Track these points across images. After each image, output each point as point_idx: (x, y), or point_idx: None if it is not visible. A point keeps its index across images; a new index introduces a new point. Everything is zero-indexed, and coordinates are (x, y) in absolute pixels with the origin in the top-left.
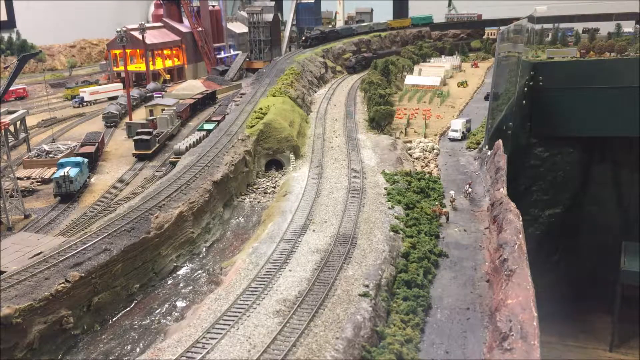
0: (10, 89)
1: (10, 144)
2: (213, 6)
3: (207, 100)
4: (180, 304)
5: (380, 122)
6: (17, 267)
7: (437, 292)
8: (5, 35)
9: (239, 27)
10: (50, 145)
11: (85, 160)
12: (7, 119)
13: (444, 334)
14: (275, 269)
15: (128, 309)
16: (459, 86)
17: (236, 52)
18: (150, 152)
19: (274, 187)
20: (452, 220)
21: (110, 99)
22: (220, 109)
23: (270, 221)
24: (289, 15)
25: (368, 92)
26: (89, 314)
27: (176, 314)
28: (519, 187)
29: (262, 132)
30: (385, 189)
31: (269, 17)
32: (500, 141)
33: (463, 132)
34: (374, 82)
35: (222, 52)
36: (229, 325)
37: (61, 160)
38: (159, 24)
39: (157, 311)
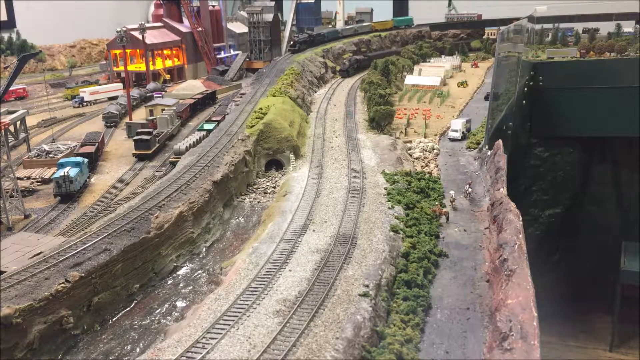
0: (10, 89)
1: (10, 144)
2: (213, 6)
3: (207, 100)
4: (180, 304)
5: (380, 122)
6: (17, 267)
7: (437, 292)
8: (5, 35)
9: (239, 27)
10: (50, 145)
11: (85, 160)
12: (7, 119)
13: (444, 334)
14: (275, 269)
15: (128, 309)
16: (459, 86)
17: (236, 52)
18: (150, 152)
19: (274, 187)
20: (452, 220)
21: (110, 99)
22: (220, 109)
23: (270, 221)
24: (289, 15)
25: (368, 92)
26: (89, 314)
27: (176, 314)
28: (519, 187)
29: (262, 132)
30: (385, 189)
31: (269, 17)
32: (500, 141)
33: (463, 132)
34: (374, 82)
35: (222, 52)
36: (229, 325)
37: (61, 160)
38: (159, 24)
39: (157, 311)
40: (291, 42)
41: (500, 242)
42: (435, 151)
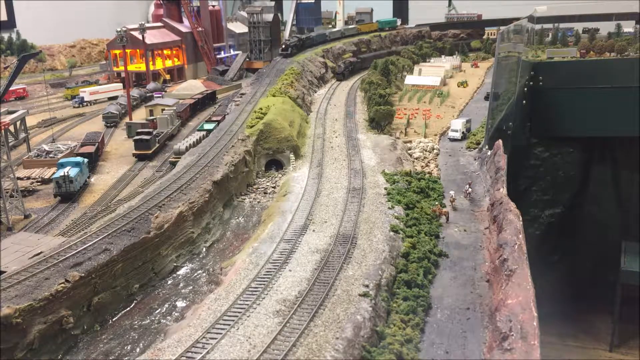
0: (10, 89)
1: (10, 144)
2: (213, 6)
3: (207, 100)
4: (180, 304)
5: (380, 122)
6: (17, 267)
7: (437, 292)
8: (5, 35)
9: (239, 27)
10: (50, 145)
11: (85, 160)
12: (7, 119)
13: (444, 334)
14: (275, 269)
15: (128, 309)
16: (459, 86)
17: (236, 52)
18: (150, 152)
19: (274, 187)
20: (452, 220)
21: (110, 99)
22: (220, 109)
23: (270, 221)
24: (289, 15)
25: (368, 92)
26: (89, 314)
27: (176, 314)
28: (519, 187)
29: (262, 132)
30: (385, 189)
31: (269, 17)
32: (500, 141)
33: (463, 132)
34: (374, 82)
35: (222, 52)
36: (229, 325)
37: (61, 160)
38: (159, 24)
39: (157, 311)
40: (283, 46)
41: (500, 242)
42: (435, 151)
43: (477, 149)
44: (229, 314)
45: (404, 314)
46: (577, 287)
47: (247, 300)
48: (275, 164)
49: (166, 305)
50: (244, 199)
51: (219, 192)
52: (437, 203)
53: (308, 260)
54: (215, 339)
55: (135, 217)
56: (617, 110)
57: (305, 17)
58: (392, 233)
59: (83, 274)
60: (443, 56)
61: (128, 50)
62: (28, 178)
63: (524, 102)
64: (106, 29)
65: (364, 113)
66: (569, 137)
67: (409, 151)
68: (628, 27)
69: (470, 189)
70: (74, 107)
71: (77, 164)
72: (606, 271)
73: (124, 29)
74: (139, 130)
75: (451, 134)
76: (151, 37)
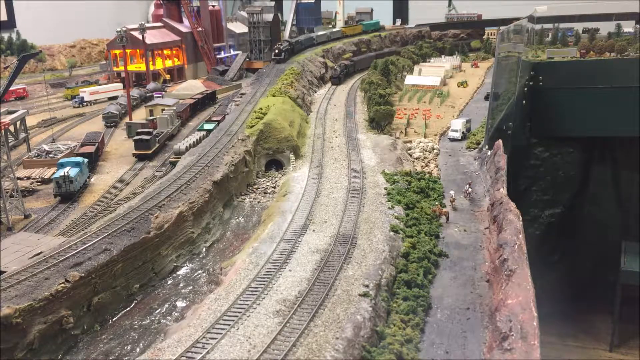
0: (10, 89)
1: (10, 144)
2: (213, 6)
3: (207, 100)
4: (180, 304)
5: (380, 122)
6: (17, 267)
7: (437, 292)
8: (5, 35)
9: (239, 27)
10: (50, 145)
11: (85, 160)
12: (7, 119)
13: (444, 334)
14: (275, 269)
15: (128, 309)
16: (459, 86)
17: (236, 52)
18: (150, 152)
19: (274, 187)
20: (452, 220)
21: (110, 99)
22: (220, 109)
23: (270, 221)
24: (289, 15)
25: (368, 92)
26: (89, 314)
27: (176, 314)
28: (519, 187)
29: (262, 132)
30: (385, 189)
31: (269, 17)
32: (500, 141)
33: (463, 132)
34: (374, 82)
35: (222, 52)
36: (229, 325)
37: (61, 160)
38: (159, 24)
39: (157, 311)
40: (276, 51)
41: (500, 242)
42: (435, 151)
43: (477, 149)
44: (229, 314)
45: (404, 314)
46: (577, 287)
47: (247, 300)
48: (275, 164)
49: (166, 305)
50: (244, 199)
51: (219, 192)
52: (437, 203)
53: (308, 260)
54: (215, 339)
55: (135, 217)
56: (617, 110)
57: (305, 17)
58: (392, 233)
59: (83, 274)
60: (443, 56)
61: (128, 50)
62: (28, 178)
63: (524, 102)
64: (106, 29)
65: (364, 113)
66: (569, 137)
67: (409, 151)
68: (628, 27)
69: (470, 189)
70: (74, 107)
71: (77, 164)
72: (606, 271)
73: (124, 29)
74: (139, 130)
75: (451, 134)
76: (151, 37)
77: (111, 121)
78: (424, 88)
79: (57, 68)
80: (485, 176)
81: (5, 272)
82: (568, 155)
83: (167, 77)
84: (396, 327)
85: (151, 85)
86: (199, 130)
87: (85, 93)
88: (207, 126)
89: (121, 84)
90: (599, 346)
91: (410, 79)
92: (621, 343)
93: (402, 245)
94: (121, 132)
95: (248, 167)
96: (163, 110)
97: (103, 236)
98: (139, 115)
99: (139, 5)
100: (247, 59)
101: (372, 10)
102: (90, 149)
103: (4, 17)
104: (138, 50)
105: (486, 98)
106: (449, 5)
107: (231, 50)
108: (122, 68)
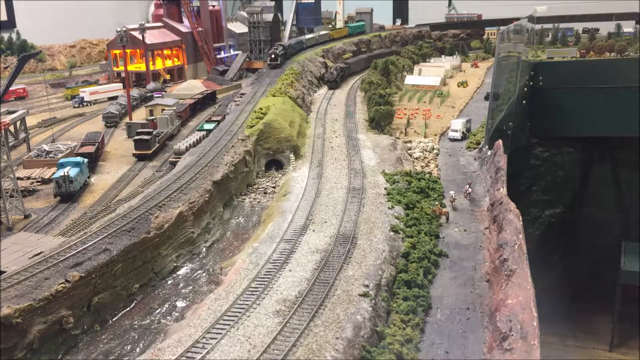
0: (10, 89)
1: (10, 144)
2: (213, 6)
3: (207, 100)
4: (180, 304)
5: (380, 122)
6: (17, 267)
7: (437, 292)
8: (5, 35)
9: (239, 27)
10: (50, 145)
11: (85, 160)
12: (7, 119)
13: (444, 334)
14: (275, 269)
15: (128, 309)
16: (459, 86)
17: (236, 52)
18: (150, 152)
19: (274, 187)
20: (452, 220)
21: (110, 99)
22: (220, 109)
23: (270, 221)
24: (289, 15)
25: (368, 92)
26: (89, 314)
27: (176, 314)
28: (519, 187)
29: (262, 132)
30: (385, 189)
31: (269, 17)
32: (500, 141)
33: (463, 132)
34: (374, 82)
35: (222, 52)
36: (229, 325)
37: (61, 160)
38: (159, 24)
39: (157, 311)
40: (272, 56)
41: (500, 242)
42: (435, 151)
43: (477, 149)
44: (229, 314)
45: (404, 314)
46: (577, 287)
47: (247, 300)
48: (275, 164)
49: (166, 305)
50: (244, 199)
51: (219, 192)
52: (437, 203)
53: (308, 260)
54: (215, 339)
55: (135, 217)
56: (617, 110)
57: (305, 17)
58: (392, 233)
59: (83, 274)
60: (443, 56)
61: (128, 50)
62: (28, 178)
63: (524, 102)
64: (106, 29)
65: (364, 113)
66: (569, 137)
67: (409, 151)
68: (628, 27)
69: (470, 189)
70: (74, 107)
71: (77, 164)
72: (606, 271)
73: (124, 29)
74: (139, 130)
75: (451, 134)
76: (151, 37)
77: (111, 121)
78: (424, 88)
79: (57, 68)
80: (485, 176)
81: (5, 272)
82: (568, 155)
83: (167, 77)
84: (396, 327)
85: (151, 85)
86: (199, 130)
87: (85, 93)
88: (207, 126)
89: (121, 84)
90: (599, 346)
91: (410, 79)
92: (621, 343)
93: (402, 245)
94: (121, 132)
95: (248, 167)
96: (163, 110)
97: (103, 236)
98: (139, 115)
99: (139, 5)
100: (247, 59)
101: (372, 10)
102: (90, 149)
103: (4, 17)
104: (138, 50)
105: (486, 98)
106: (449, 5)
107: (231, 50)
108: (122, 68)
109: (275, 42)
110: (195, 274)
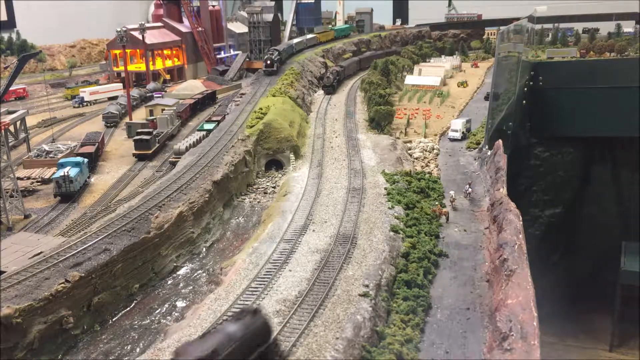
0: (10, 89)
1: (10, 144)
2: (213, 6)
3: (207, 100)
4: (180, 304)
5: (380, 122)
6: (17, 267)
7: (437, 292)
8: (5, 35)
9: (239, 27)
10: (50, 145)
11: (85, 160)
12: (7, 119)
13: (444, 334)
14: (275, 269)
15: (128, 309)
16: (459, 86)
17: (236, 52)
18: (150, 152)
19: (274, 187)
20: (452, 220)
21: (110, 99)
22: (220, 109)
23: (270, 221)
24: (289, 15)
25: (368, 92)
26: (89, 314)
27: (176, 314)
28: (519, 187)
29: (262, 132)
30: (385, 189)
31: (269, 17)
32: (500, 141)
33: (463, 132)
34: (374, 82)
35: (222, 52)
36: None
37: (61, 160)
38: (159, 24)
39: (157, 311)
40: (268, 62)
41: (500, 242)
42: (435, 151)
43: (477, 149)
44: (229, 314)
45: (404, 314)
46: (577, 287)
47: (247, 300)
48: (275, 164)
49: (166, 305)
50: (244, 199)
51: (219, 192)
52: (437, 203)
53: (308, 260)
54: None
55: (135, 217)
56: (617, 110)
57: (305, 17)
58: (392, 233)
59: (83, 274)
60: (443, 56)
61: (128, 50)
62: (28, 178)
63: (524, 102)
64: (106, 29)
65: (364, 113)
66: (569, 137)
67: (409, 151)
68: (628, 27)
69: (470, 189)
70: (74, 107)
71: (77, 164)
72: (606, 271)
73: (124, 29)
74: (139, 130)
75: (451, 134)
76: (151, 37)
77: (111, 121)
78: (424, 88)
79: (57, 68)
80: (485, 176)
81: (5, 272)
82: (568, 155)
83: (167, 77)
84: (396, 327)
85: (151, 85)
86: (199, 130)
87: (85, 93)
88: (207, 126)
89: (121, 84)
90: (599, 346)
91: (410, 79)
92: (621, 343)
93: (402, 245)
94: (121, 132)
95: (248, 167)
96: (163, 110)
97: (103, 236)
98: (139, 115)
99: (139, 5)
100: (247, 59)
101: (372, 10)
102: (90, 149)
103: (4, 17)
104: (138, 50)
105: (486, 98)
106: (449, 5)
107: (231, 50)
108: (122, 68)
109: (275, 42)
110: (195, 274)
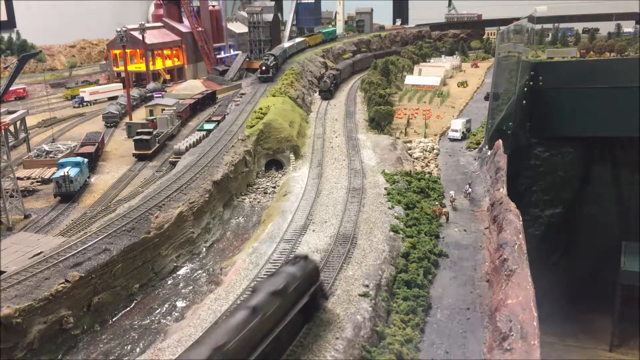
0: (10, 89)
1: (10, 144)
2: (213, 6)
3: (207, 100)
4: (180, 304)
5: (380, 122)
6: (17, 267)
7: (437, 292)
8: (5, 35)
9: (239, 27)
10: (50, 145)
11: (85, 160)
12: (7, 119)
13: (444, 334)
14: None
15: (128, 309)
16: (459, 86)
17: (236, 52)
18: (150, 152)
19: (274, 187)
20: (452, 220)
21: (110, 99)
22: (220, 109)
23: (270, 221)
24: (289, 15)
25: (368, 92)
26: (89, 314)
27: (176, 314)
28: (519, 187)
29: (262, 132)
30: (385, 189)
31: (269, 17)
32: (500, 141)
33: (463, 132)
34: (374, 82)
35: (222, 52)
36: None
37: (61, 160)
38: (159, 24)
39: (157, 311)
40: (263, 67)
41: (500, 242)
42: (435, 151)
43: (477, 149)
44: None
45: (404, 314)
46: (577, 287)
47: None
48: (275, 164)
49: (166, 305)
50: (244, 199)
51: (219, 192)
52: (437, 203)
53: None
54: None
55: (135, 217)
56: (617, 110)
57: (305, 17)
58: (392, 233)
59: (83, 274)
60: (443, 56)
61: (128, 50)
62: (28, 178)
63: (524, 102)
64: (106, 29)
65: (364, 113)
66: (569, 137)
67: (409, 151)
68: (628, 27)
69: (470, 189)
70: (74, 107)
71: (77, 164)
72: (606, 271)
73: (124, 29)
74: (139, 130)
75: (451, 134)
76: (151, 37)
77: (111, 121)
78: (424, 88)
79: (57, 68)
80: (485, 176)
81: (5, 272)
82: (568, 155)
83: (167, 77)
84: (396, 327)
85: (151, 85)
86: (199, 130)
87: (85, 93)
88: (207, 126)
89: (121, 84)
90: (599, 346)
91: (410, 79)
92: (621, 343)
93: (402, 245)
94: (121, 132)
95: (248, 167)
96: (163, 110)
97: (103, 236)
98: (139, 115)
99: (139, 5)
100: (247, 59)
101: (372, 10)
102: (90, 149)
103: (4, 17)
104: (138, 50)
105: (486, 98)
106: (449, 5)
107: (231, 50)
108: (122, 68)
109: (275, 42)
110: (195, 274)
